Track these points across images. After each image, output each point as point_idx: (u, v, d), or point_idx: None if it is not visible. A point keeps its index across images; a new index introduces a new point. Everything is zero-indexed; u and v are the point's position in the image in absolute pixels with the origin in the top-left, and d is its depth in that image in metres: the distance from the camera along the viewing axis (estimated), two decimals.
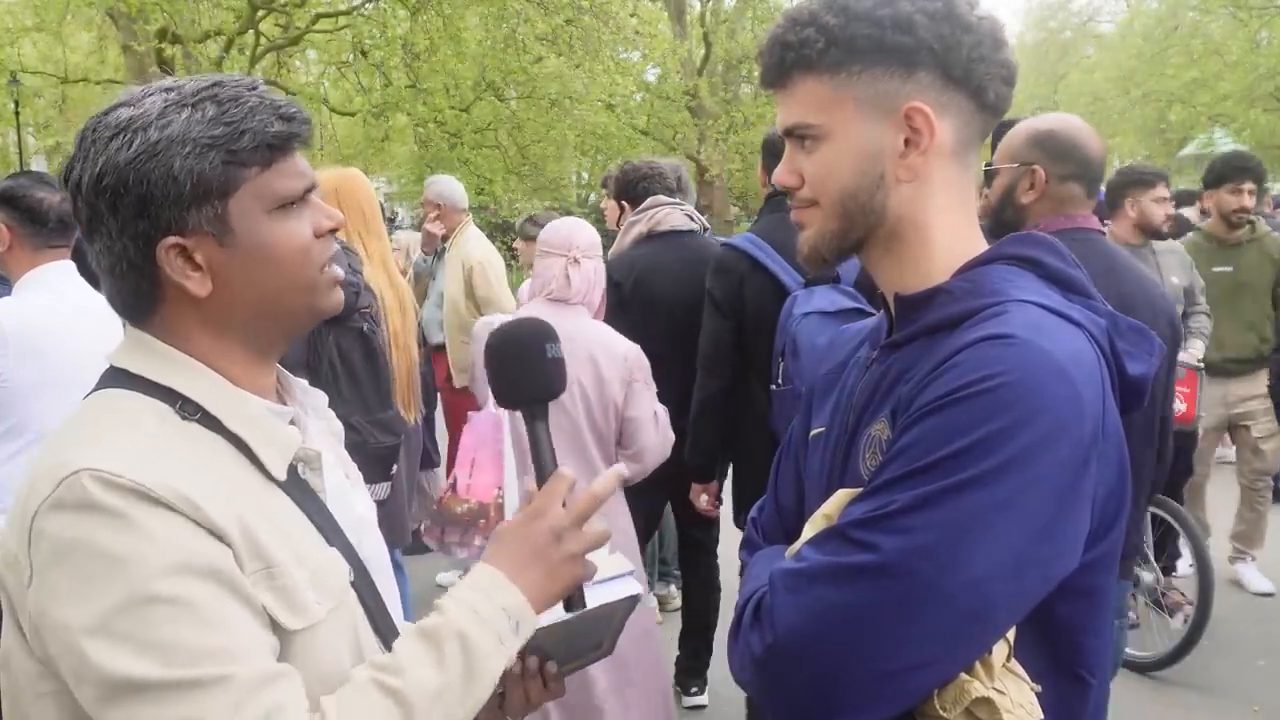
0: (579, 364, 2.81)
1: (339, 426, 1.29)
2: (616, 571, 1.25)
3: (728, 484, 3.51)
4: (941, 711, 0.95)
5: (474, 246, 5.19)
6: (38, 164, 20.81)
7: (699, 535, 3.89)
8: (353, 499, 1.21)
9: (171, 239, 1.01)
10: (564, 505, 1.10)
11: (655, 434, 2.94)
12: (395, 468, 3.03)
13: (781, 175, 1.13)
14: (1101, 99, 26.23)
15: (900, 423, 1.00)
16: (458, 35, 15.24)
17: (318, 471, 1.13)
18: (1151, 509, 4.09)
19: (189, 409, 1.03)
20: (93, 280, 2.68)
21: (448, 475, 3.70)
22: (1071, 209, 2.39)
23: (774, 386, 2.98)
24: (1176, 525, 4.14)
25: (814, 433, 1.25)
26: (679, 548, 4.09)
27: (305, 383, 1.21)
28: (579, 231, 2.96)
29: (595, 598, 1.17)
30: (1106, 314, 1.08)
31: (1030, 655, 0.99)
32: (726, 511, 3.57)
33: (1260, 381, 4.82)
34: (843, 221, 1.10)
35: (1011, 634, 0.97)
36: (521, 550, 1.08)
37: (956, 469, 0.92)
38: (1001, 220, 2.40)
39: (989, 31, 1.07)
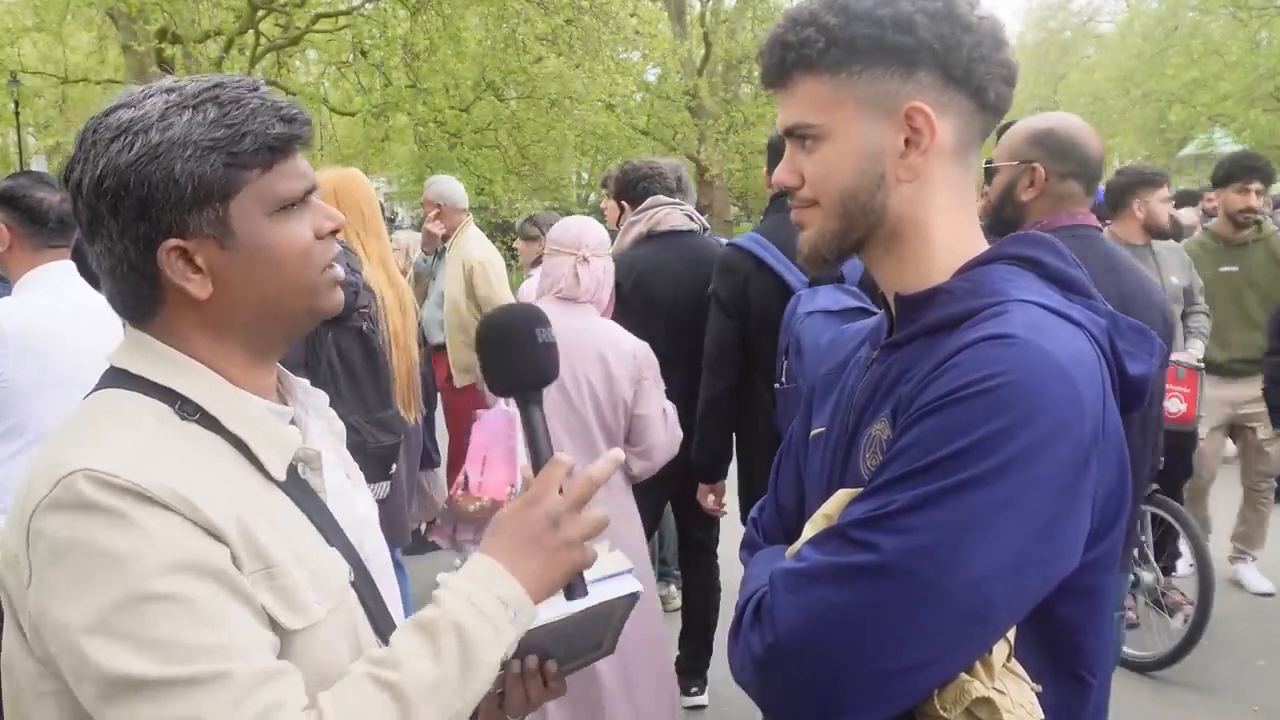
0: (588, 362, 2.82)
1: (340, 426, 1.29)
2: (616, 569, 1.25)
3: (730, 483, 3.51)
4: (942, 711, 0.95)
5: (474, 246, 5.19)
6: (38, 164, 20.82)
7: (699, 535, 3.89)
8: (354, 499, 1.21)
9: (172, 241, 1.01)
10: (561, 491, 1.09)
11: (664, 431, 2.95)
12: (395, 467, 3.03)
13: (781, 175, 1.13)
14: (1101, 99, 26.23)
15: (900, 423, 1.00)
16: (458, 35, 15.26)
17: (318, 471, 1.13)
18: (1152, 509, 4.09)
19: (188, 409, 1.03)
20: (93, 280, 2.68)
21: (449, 475, 3.70)
22: (1071, 207, 2.40)
23: (778, 385, 2.99)
24: (1177, 525, 4.14)
25: (814, 433, 1.25)
26: (679, 548, 4.09)
27: (307, 383, 1.21)
28: (589, 230, 2.97)
29: (594, 595, 1.16)
30: (1107, 314, 1.08)
31: (1030, 655, 0.99)
32: (726, 511, 3.58)
33: None
34: (843, 221, 1.10)
35: (1012, 634, 0.97)
36: (518, 538, 1.07)
37: (957, 469, 0.92)
38: (1001, 218, 2.41)
39: (989, 31, 1.07)
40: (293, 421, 1.12)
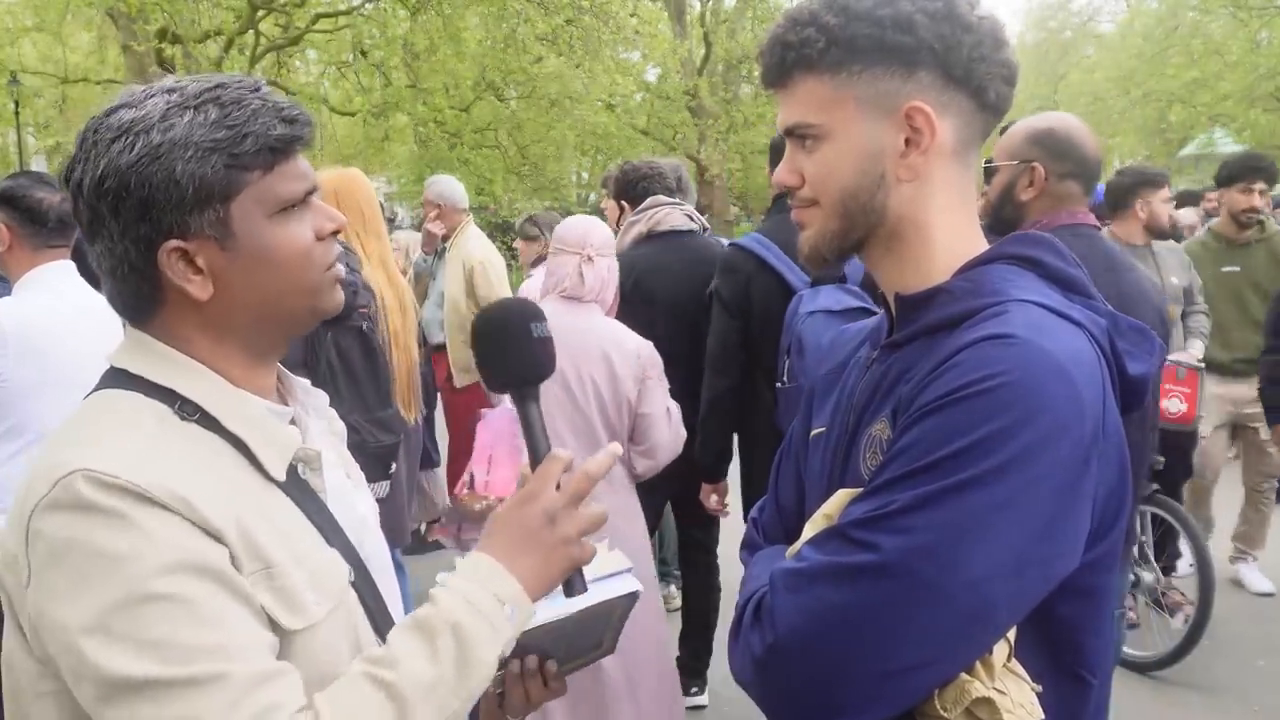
0: (592, 361, 2.83)
1: (341, 426, 1.29)
2: (615, 568, 1.24)
3: (732, 482, 3.51)
4: (942, 711, 0.95)
5: (474, 246, 5.19)
6: (38, 164, 20.81)
7: (699, 535, 3.89)
8: (354, 499, 1.21)
9: (173, 242, 1.01)
10: (559, 487, 1.08)
11: (668, 430, 2.95)
12: (394, 467, 3.03)
13: (782, 175, 1.13)
14: (1101, 99, 26.21)
15: (901, 422, 1.00)
16: (458, 35, 15.26)
17: (318, 471, 1.12)
18: (1152, 509, 4.09)
19: (188, 409, 1.03)
20: (93, 280, 2.68)
21: (449, 474, 3.70)
22: (1070, 206, 2.41)
23: (780, 384, 3.00)
24: (1177, 525, 4.14)
25: (814, 433, 1.25)
26: (679, 548, 4.09)
27: (307, 383, 1.21)
28: (594, 230, 2.97)
29: (594, 594, 1.16)
30: (1107, 314, 1.08)
31: (1031, 655, 0.99)
32: (729, 511, 3.58)
33: None
34: (843, 221, 1.10)
35: (1012, 634, 0.97)
36: (515, 535, 1.06)
37: (957, 469, 0.92)
38: (1001, 217, 2.41)
39: (989, 31, 1.07)
40: (293, 421, 1.12)
